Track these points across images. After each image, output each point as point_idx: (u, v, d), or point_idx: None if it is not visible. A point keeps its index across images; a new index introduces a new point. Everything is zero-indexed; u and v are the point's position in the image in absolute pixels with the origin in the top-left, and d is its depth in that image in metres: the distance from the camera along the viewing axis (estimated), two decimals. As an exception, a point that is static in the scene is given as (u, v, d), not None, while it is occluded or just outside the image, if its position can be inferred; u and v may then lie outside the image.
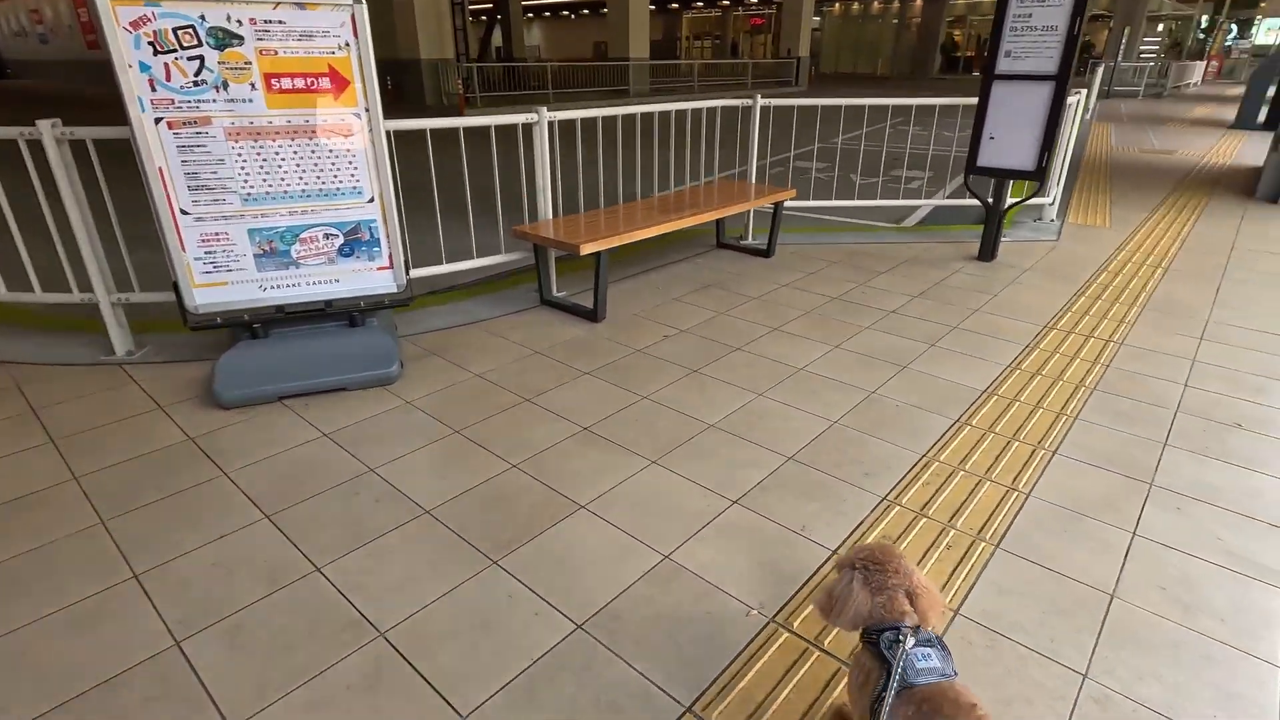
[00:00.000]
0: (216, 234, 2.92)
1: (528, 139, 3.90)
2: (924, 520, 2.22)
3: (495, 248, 4.10)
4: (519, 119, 3.81)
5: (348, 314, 3.29)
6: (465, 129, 3.66)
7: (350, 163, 3.03)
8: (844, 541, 2.13)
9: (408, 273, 3.31)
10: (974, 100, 4.96)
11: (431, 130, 3.56)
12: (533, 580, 1.97)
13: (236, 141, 2.82)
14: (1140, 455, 2.59)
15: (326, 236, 3.10)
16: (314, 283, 3.14)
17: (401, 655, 1.73)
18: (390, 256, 3.25)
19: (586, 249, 3.55)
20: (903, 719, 1.16)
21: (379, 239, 3.20)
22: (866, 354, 3.43)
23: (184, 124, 2.73)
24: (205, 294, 2.98)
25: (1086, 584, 1.97)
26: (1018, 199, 4.99)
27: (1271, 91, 12.81)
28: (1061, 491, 2.37)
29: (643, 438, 2.68)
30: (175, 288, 2.96)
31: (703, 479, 2.43)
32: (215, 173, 2.83)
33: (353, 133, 3.00)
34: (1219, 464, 2.53)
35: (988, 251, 4.92)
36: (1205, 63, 28.43)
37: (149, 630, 1.81)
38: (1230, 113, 15.38)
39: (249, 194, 2.91)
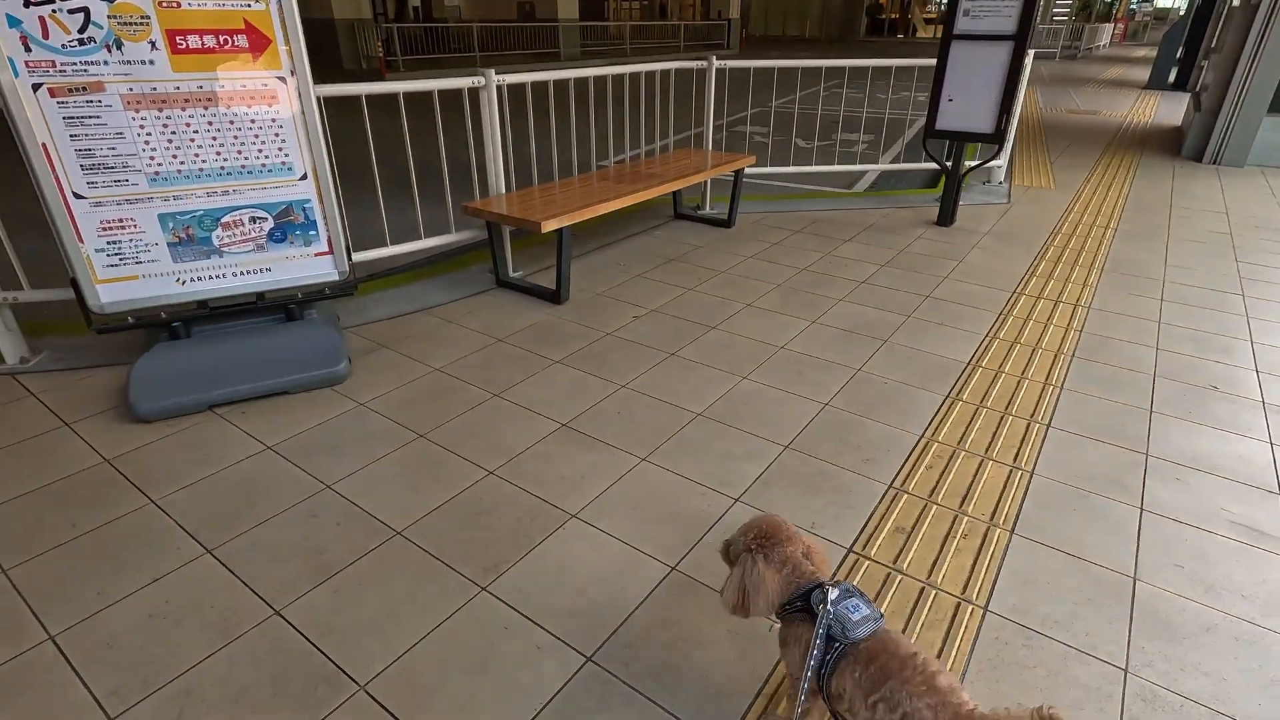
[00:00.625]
0: (120, 220, 2.51)
1: (474, 105, 3.55)
2: (934, 508, 2.12)
3: (444, 226, 3.77)
4: (464, 83, 3.46)
5: (283, 307, 2.93)
6: (405, 95, 3.29)
7: (276, 135, 2.65)
8: (858, 537, 2.00)
9: (350, 258, 2.96)
10: (929, 62, 4.86)
11: (367, 97, 3.18)
12: (530, 606, 1.76)
13: (137, 111, 2.41)
14: (1130, 424, 2.56)
15: (253, 220, 2.72)
16: (242, 273, 2.77)
17: (389, 712, 1.50)
18: (329, 240, 2.89)
19: (549, 225, 3.27)
20: (854, 680, 1.16)
21: (315, 221, 2.84)
22: (845, 328, 3.31)
23: (71, 91, 2.30)
24: (112, 290, 2.58)
25: (1107, 568, 1.90)
26: (975, 162, 4.95)
27: (1180, 53, 13.37)
28: (1063, 468, 2.31)
29: (628, 432, 2.48)
30: (74, 285, 2.54)
31: (699, 476, 2.25)
32: (114, 149, 2.42)
33: (277, 100, 2.62)
34: (1206, 430, 2.53)
35: (946, 216, 4.89)
36: (1113, 25, 29.59)
37: (74, 705, 1.51)
38: (1141, 74, 16.06)
39: (157, 173, 2.50)
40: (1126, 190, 5.98)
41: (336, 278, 2.95)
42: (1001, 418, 2.60)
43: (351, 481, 2.22)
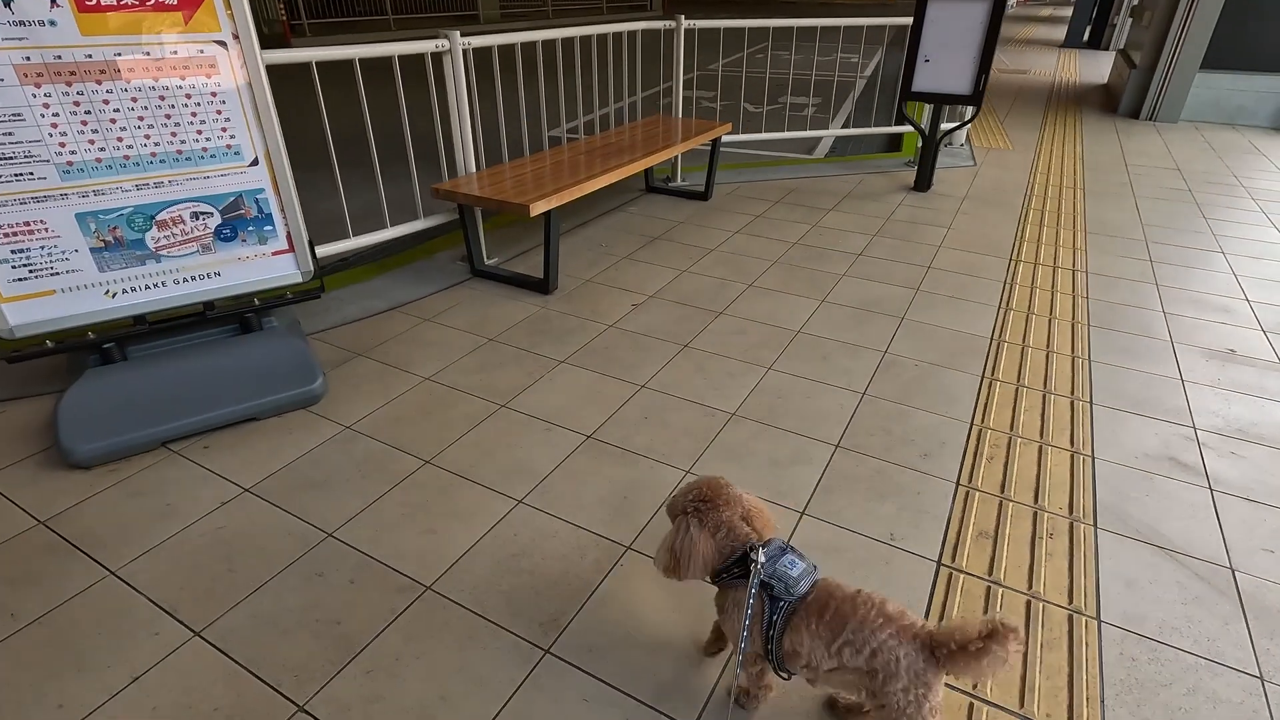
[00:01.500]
0: (27, 224, 2.04)
1: (438, 72, 3.13)
2: (1011, 505, 1.98)
3: (409, 211, 3.35)
4: (426, 46, 3.03)
5: (238, 316, 2.50)
6: (361, 60, 2.85)
7: (219, 113, 2.21)
8: (943, 548, 1.83)
9: (314, 255, 2.55)
10: (903, 20, 4.69)
11: (317, 64, 2.73)
12: (606, 668, 1.51)
13: (38, 86, 1.93)
14: (1167, 396, 2.50)
15: (196, 216, 2.28)
16: (184, 279, 2.33)
17: (470, 829, 1.23)
18: (289, 235, 2.48)
19: (538, 208, 2.93)
20: (811, 633, 1.17)
21: (271, 214, 2.41)
22: (857, 306, 3.14)
23: (-54, 61, 1.81)
24: (22, 310, 2.11)
25: (1200, 558, 1.80)
26: (951, 125, 4.84)
27: (1094, 13, 13.82)
28: (1119, 448, 2.21)
29: (662, 441, 2.23)
30: (-28, 305, 2.06)
31: (754, 487, 2.03)
32: (10, 134, 1.94)
33: (217, 69, 2.17)
34: (1239, 397, 2.49)
35: (924, 181, 4.78)
36: (1019, -15, 30.48)
37: None
38: (1055, 32, 16.55)
39: (70, 163, 2.03)
40: (1079, 150, 6.05)
41: (299, 279, 2.54)
42: (1043, 397, 2.48)
43: (356, 526, 1.88)
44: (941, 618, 1.63)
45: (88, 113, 2.01)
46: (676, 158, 4.86)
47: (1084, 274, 3.51)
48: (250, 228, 2.39)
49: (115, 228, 2.16)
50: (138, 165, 2.13)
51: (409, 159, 3.20)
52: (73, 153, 2.02)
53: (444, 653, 1.54)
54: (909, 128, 5.55)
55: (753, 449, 2.20)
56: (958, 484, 2.06)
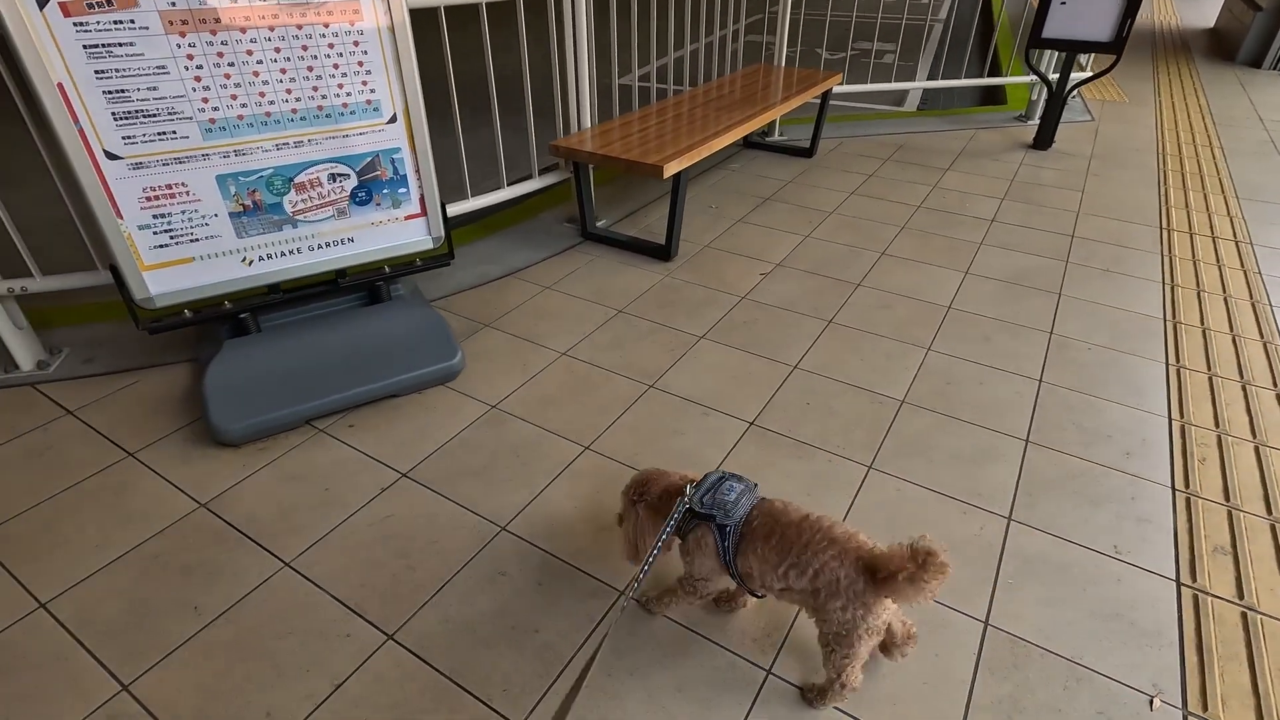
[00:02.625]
0: (169, 187, 1.90)
1: (558, 12, 2.88)
2: (1244, 517, 1.78)
3: (520, 168, 3.16)
4: (545, -13, 2.78)
5: (367, 285, 2.37)
6: (487, 4, 2.62)
7: (360, 65, 2.02)
8: (1178, 564, 1.65)
9: (446, 220, 2.39)
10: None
11: (446, 8, 2.51)
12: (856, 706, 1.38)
13: (183, 36, 1.76)
14: (1383, 390, 2.25)
15: (334, 178, 2.12)
16: (319, 245, 2.19)
17: None
18: (422, 199, 2.31)
19: (671, 168, 2.72)
20: (758, 557, 1.22)
21: (406, 176, 2.24)
22: (1005, 279, 2.89)
23: (90, 8, 1.65)
24: (162, 278, 1.99)
25: None
26: (1086, 75, 4.43)
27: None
28: (1347, 451, 1.99)
29: (833, 430, 2.06)
30: (115, 273, 1.95)
31: (946, 487, 1.86)
32: (155, 88, 1.78)
33: (360, 15, 1.98)
34: None
35: (1046, 138, 4.41)
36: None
37: None
38: (1143, -29, 15.31)
39: (213, 120, 1.88)
40: (1203, 102, 5.56)
41: (431, 245, 2.38)
42: (1244, 390, 2.25)
43: (528, 520, 1.77)
44: (1200, 651, 1.47)
45: (230, 65, 1.84)
46: (776, 110, 4.55)
47: (1249, 245, 3.20)
48: (385, 190, 2.23)
49: (255, 190, 2.01)
50: (278, 123, 1.97)
51: (527, 112, 2.98)
52: (215, 109, 1.87)
53: (658, 670, 1.42)
54: (1015, 79, 5.13)
55: (934, 442, 2.02)
56: (1174, 489, 1.87)
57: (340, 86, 2.01)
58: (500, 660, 1.43)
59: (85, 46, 1.67)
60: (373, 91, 2.07)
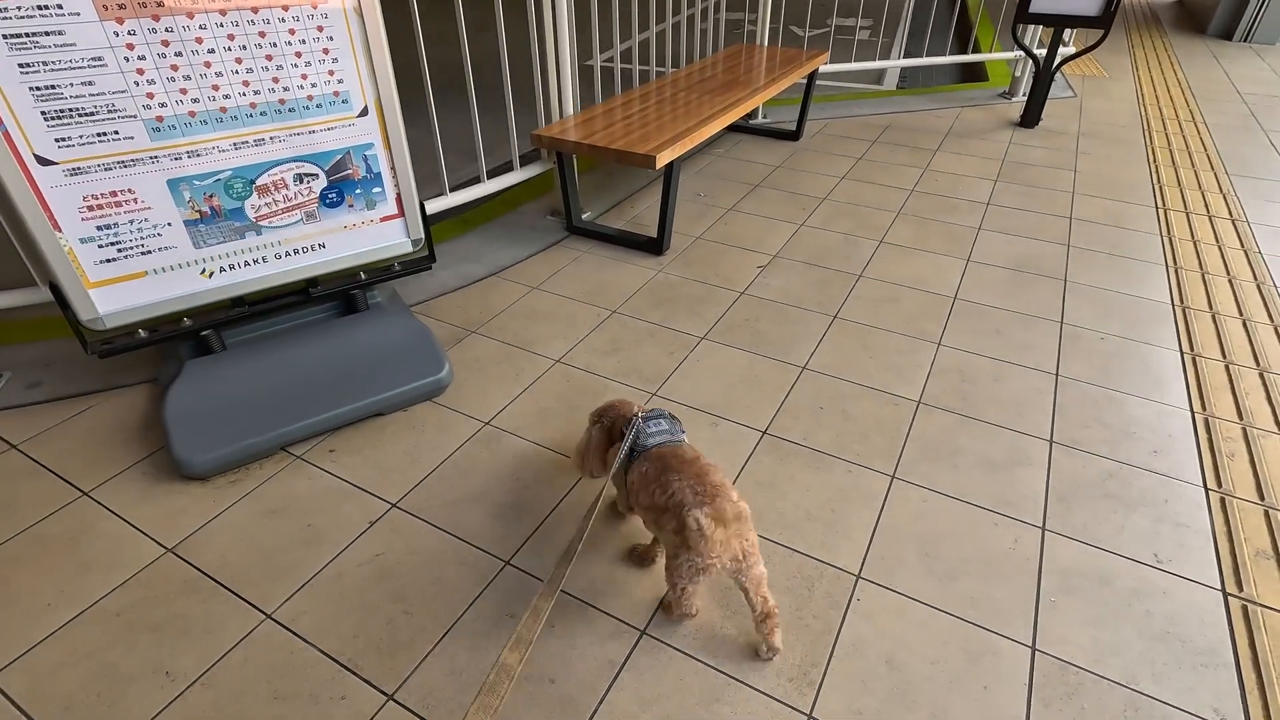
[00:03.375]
0: (114, 193, 1.69)
1: (536, -6, 2.69)
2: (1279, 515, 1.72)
3: (502, 157, 2.97)
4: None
5: (342, 294, 2.18)
6: (458, -18, 2.42)
7: (325, 51, 1.82)
8: (1221, 572, 1.58)
9: (425, 218, 2.21)
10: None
11: (415, -13, 2.30)
12: (885, 738, 1.27)
13: (121, 23, 1.55)
14: (1398, 373, 2.21)
15: (300, 179, 1.93)
16: (287, 253, 1.99)
17: None
18: (398, 198, 2.12)
19: (664, 158, 2.56)
20: (640, 474, 1.39)
21: (380, 173, 2.06)
22: (1009, 266, 2.81)
23: (9, -10, 1.43)
24: (111, 295, 1.79)
25: None
26: (1071, 51, 4.35)
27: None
28: (1372, 441, 1.94)
29: (850, 437, 1.95)
30: (55, 291, 1.74)
31: (975, 496, 1.77)
32: (90, 83, 1.57)
33: (323, -4, 1.77)
34: None
35: (1033, 116, 4.34)
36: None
37: None
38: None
39: (160, 118, 1.67)
40: (1180, 76, 5.55)
41: (409, 248, 2.20)
42: (1261, 377, 2.19)
43: (534, 552, 1.62)
44: (1257, 668, 1.39)
45: (178, 54, 1.63)
46: (759, 91, 4.39)
47: (1245, 224, 3.16)
48: (358, 190, 2.04)
49: (212, 195, 1.81)
50: (235, 119, 1.77)
51: (506, 98, 2.78)
52: (162, 105, 1.66)
53: (687, 717, 1.30)
54: (996, 55, 5.05)
55: (959, 446, 1.92)
56: (1206, 488, 1.79)
57: (304, 77, 1.81)
58: (513, 717, 1.30)
59: (5, 36, 1.45)
60: (340, 82, 1.87)
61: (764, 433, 1.97)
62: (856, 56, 4.92)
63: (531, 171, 2.97)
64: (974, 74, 5.94)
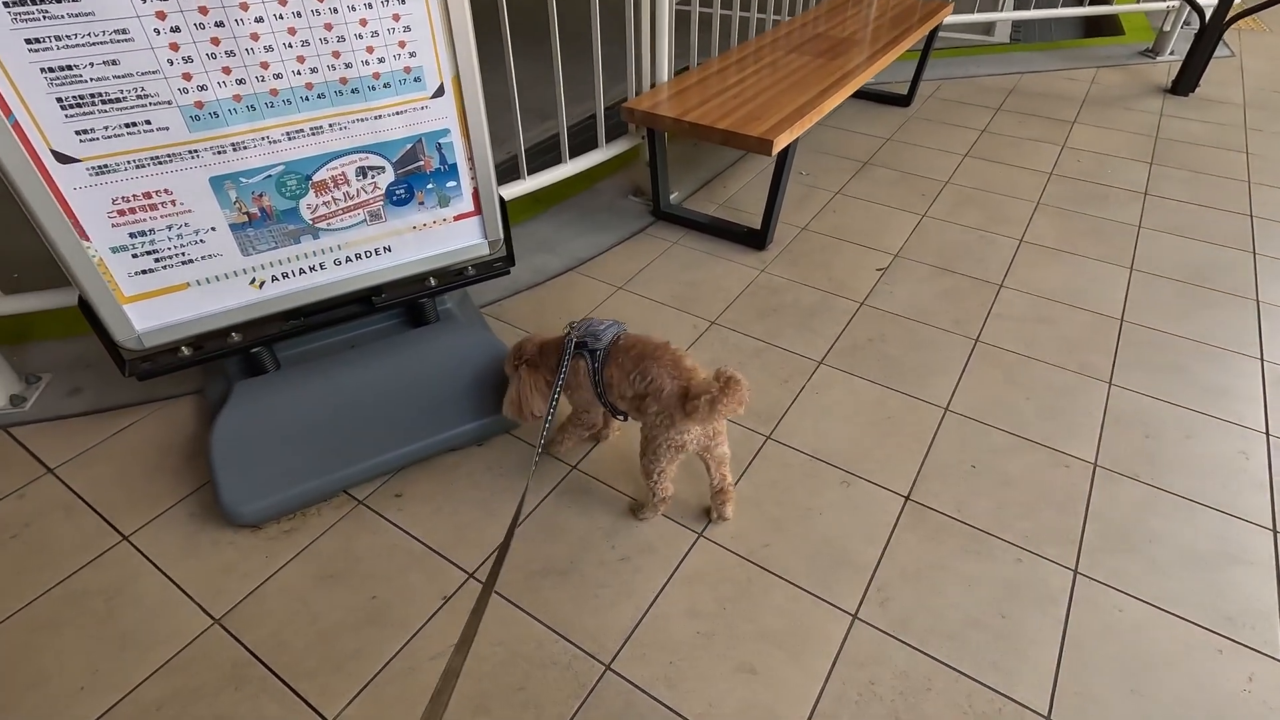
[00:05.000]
0: (148, 195, 1.41)
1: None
2: None
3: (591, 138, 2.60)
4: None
5: (409, 303, 1.89)
6: (548, -74, 2.02)
7: (396, 18, 1.48)
8: None
9: (505, 216, 1.88)
10: None
11: (498, -68, 1.91)
12: None
13: (148, -15, 1.23)
14: None
15: (364, 173, 1.61)
16: (347, 259, 1.70)
17: None
18: (475, 194, 1.80)
19: (781, 141, 2.16)
20: (619, 367, 1.44)
21: (455, 164, 1.72)
22: (1182, 279, 2.35)
23: (8, -55, 1.12)
24: (149, 311, 1.53)
25: None
26: (1247, 4, 3.67)
27: None
28: None
29: (1012, 511, 1.60)
30: (85, 308, 1.49)
31: (1180, 605, 1.41)
32: (115, 62, 1.27)
33: (394, -51, 1.42)
34: None
35: (1190, 81, 3.71)
36: None
37: None
38: None
39: (200, 104, 1.37)
40: (1357, 31, 4.74)
41: (486, 250, 1.88)
42: None
43: (638, 655, 1.34)
44: None
45: (219, 24, 1.31)
46: (864, 47, 3.86)
47: None
48: (430, 185, 1.71)
49: (261, 194, 1.52)
50: (289, 104, 1.45)
51: (595, 60, 2.38)
52: (202, 88, 1.35)
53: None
54: (1141, 4, 4.36)
55: (1151, 531, 1.55)
56: None
57: (370, 50, 1.48)
58: None
59: (6, 5, 1.15)
60: (413, 55, 1.53)
61: (907, 499, 1.63)
62: (984, 6, 4.29)
63: (618, 148, 2.59)
64: (1099, 27, 5.21)
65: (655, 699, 1.27)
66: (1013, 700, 1.27)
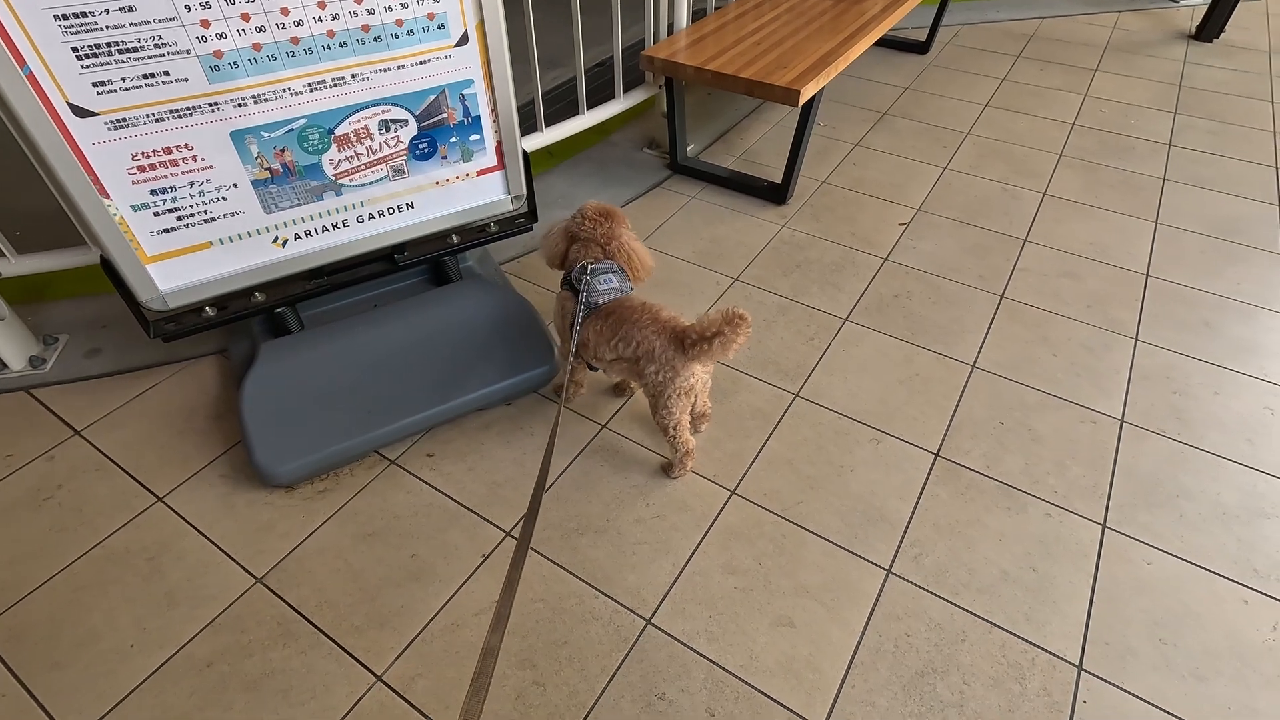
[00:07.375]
0: (168, 150, 1.36)
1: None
2: None
3: (604, 88, 2.52)
4: None
5: (431, 261, 1.85)
6: None
7: (419, -40, 1.41)
8: None
9: (529, 170, 1.84)
10: None
11: None
12: None
13: (163, -77, 1.16)
14: None
15: (386, 126, 1.56)
16: (369, 216, 1.66)
17: None
18: (499, 147, 1.75)
19: (808, 91, 2.09)
20: (595, 331, 1.45)
21: (479, 117, 1.67)
22: (1209, 233, 2.32)
23: (15, -120, 1.05)
24: (172, 270, 1.50)
25: None
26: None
27: None
28: None
29: (1041, 468, 1.61)
30: (107, 268, 1.46)
31: (1208, 559, 1.44)
32: (131, 8, 1.21)
33: (417, -116, 1.34)
34: None
35: (1215, 27, 3.61)
36: None
37: None
38: None
39: (219, 54, 1.31)
40: (1385, -27, 4.58)
41: (509, 206, 1.84)
42: None
43: (677, 609, 1.37)
44: None
45: (238, -31, 1.25)
46: (882, -10, 3.73)
47: None
48: (453, 139, 1.66)
49: (284, 149, 1.47)
50: (310, 53, 1.39)
51: (613, 6, 2.29)
52: (221, 36, 1.29)
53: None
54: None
55: (1180, 485, 1.57)
56: None
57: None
58: (682, 846, 1.08)
59: (17, -53, 1.09)
60: (437, 1, 1.46)
61: (936, 455, 1.64)
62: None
63: (636, 98, 2.52)
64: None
65: (697, 652, 1.29)
66: (1045, 650, 1.30)
